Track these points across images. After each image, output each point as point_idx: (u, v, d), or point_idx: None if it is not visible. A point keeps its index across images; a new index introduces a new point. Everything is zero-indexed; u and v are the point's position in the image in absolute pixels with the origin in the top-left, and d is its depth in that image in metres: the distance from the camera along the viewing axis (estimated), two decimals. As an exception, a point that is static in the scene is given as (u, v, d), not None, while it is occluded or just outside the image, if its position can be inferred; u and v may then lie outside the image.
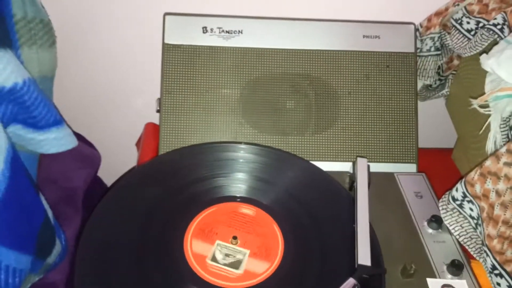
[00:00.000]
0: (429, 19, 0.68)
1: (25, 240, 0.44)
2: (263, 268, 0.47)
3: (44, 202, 0.50)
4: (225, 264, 0.47)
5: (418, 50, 0.69)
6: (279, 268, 0.47)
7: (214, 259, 0.47)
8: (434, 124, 0.80)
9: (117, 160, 0.81)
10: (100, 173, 0.75)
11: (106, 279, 0.45)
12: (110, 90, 0.79)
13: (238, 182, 0.55)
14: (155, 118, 0.68)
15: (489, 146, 0.53)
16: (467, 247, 0.52)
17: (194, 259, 0.47)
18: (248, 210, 0.53)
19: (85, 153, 0.69)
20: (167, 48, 0.63)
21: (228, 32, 0.64)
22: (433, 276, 0.48)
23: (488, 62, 0.51)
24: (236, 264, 0.47)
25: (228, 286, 0.45)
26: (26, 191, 0.45)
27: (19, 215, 0.43)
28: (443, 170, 0.67)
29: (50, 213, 0.50)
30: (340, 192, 0.55)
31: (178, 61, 0.63)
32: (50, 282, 0.55)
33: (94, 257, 0.46)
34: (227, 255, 0.48)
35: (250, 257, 0.48)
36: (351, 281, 0.44)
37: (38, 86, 0.51)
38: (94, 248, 0.46)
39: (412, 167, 0.63)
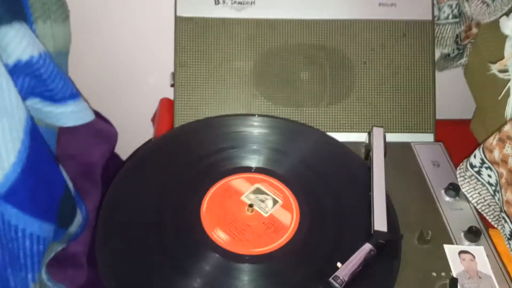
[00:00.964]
0: (446, -14, 0.66)
1: (48, 209, 0.45)
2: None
3: (64, 173, 0.51)
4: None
5: (436, 18, 0.67)
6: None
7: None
8: (452, 94, 0.78)
9: (133, 137, 0.82)
10: (117, 150, 0.76)
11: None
12: (124, 67, 0.79)
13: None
14: (170, 94, 0.69)
15: (508, 112, 0.52)
16: (484, 215, 0.52)
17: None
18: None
19: (102, 129, 0.70)
20: (179, 21, 0.63)
21: (241, 3, 0.63)
22: (450, 242, 0.48)
23: (508, 24, 0.50)
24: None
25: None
26: (46, 162, 0.46)
27: (41, 184, 0.44)
28: (461, 141, 0.66)
29: (70, 184, 0.51)
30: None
31: (191, 34, 0.63)
32: (72, 253, 0.56)
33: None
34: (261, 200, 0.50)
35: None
36: (367, 246, 0.44)
37: (54, 60, 0.51)
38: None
39: (429, 137, 0.62)
